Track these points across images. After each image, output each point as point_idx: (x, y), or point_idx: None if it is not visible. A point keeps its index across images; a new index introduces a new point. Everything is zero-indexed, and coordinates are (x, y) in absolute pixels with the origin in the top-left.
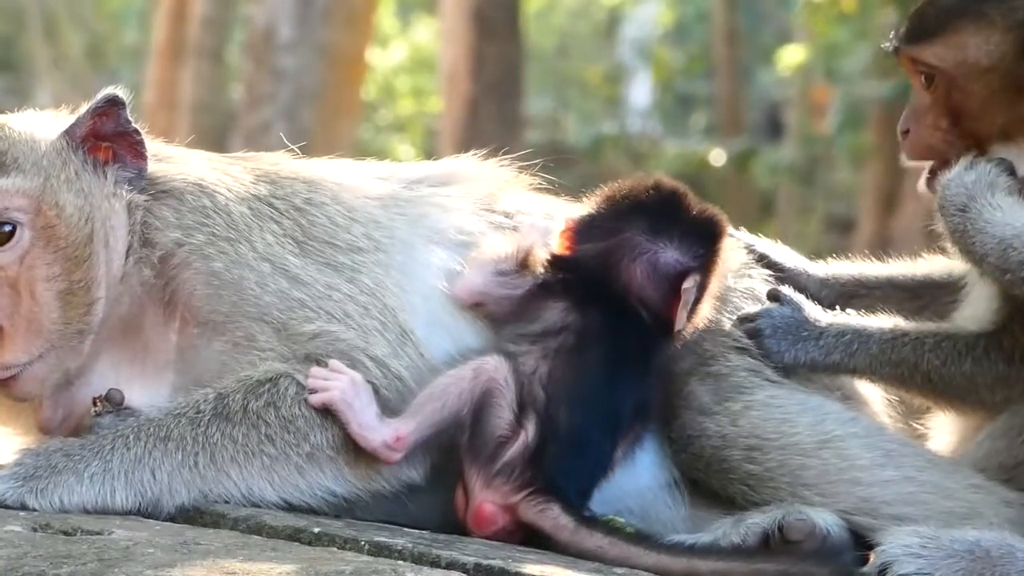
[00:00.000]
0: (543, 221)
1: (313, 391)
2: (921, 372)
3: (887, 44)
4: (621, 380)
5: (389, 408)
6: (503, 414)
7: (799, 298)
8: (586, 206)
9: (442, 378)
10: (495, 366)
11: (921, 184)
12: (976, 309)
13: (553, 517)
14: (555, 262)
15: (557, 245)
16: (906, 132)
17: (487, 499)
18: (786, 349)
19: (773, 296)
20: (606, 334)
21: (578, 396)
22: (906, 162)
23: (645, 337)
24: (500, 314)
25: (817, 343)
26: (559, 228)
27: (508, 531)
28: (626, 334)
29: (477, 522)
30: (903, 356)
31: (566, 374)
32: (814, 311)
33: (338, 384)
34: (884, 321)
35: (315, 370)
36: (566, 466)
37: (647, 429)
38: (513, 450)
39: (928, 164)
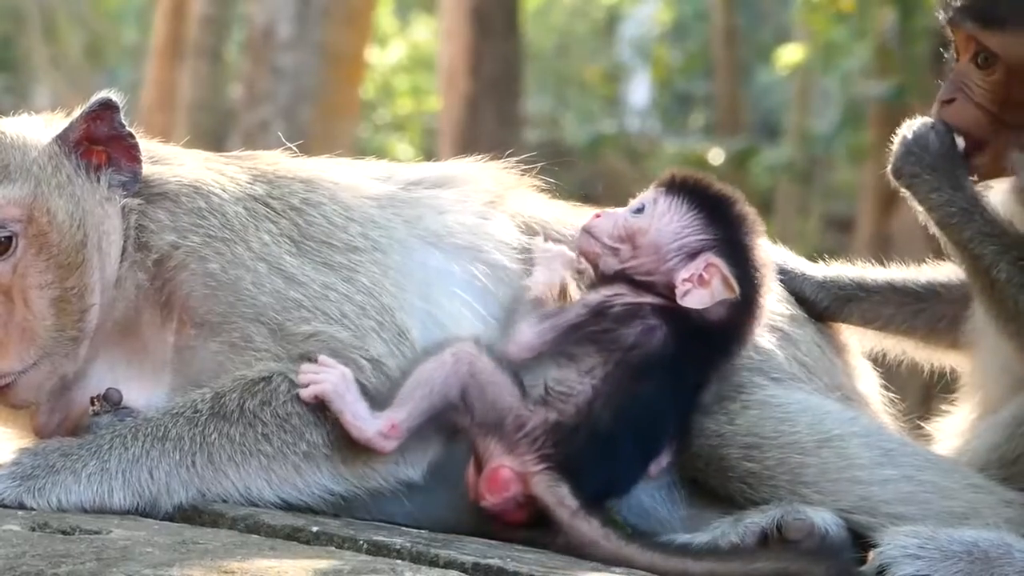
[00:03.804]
0: (561, 249)
1: (304, 385)
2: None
3: (941, 12)
4: (675, 407)
5: (383, 407)
6: (505, 390)
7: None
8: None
9: (423, 365)
10: (473, 348)
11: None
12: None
13: (560, 495)
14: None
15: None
16: (949, 101)
17: (505, 463)
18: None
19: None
20: (675, 361)
21: (628, 410)
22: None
23: (709, 361)
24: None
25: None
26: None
27: (516, 503)
28: (693, 360)
29: (490, 486)
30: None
31: (623, 385)
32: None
33: (329, 377)
34: None
35: (305, 365)
36: (593, 467)
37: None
38: (535, 422)
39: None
